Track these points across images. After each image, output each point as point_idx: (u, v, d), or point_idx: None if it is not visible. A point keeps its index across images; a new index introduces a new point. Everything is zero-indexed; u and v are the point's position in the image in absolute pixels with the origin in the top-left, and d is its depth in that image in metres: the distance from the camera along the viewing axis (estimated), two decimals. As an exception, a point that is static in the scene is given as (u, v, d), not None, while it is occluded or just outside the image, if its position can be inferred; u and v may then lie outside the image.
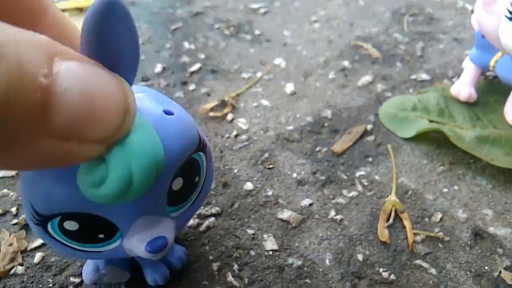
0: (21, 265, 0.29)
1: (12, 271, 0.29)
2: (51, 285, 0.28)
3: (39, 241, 0.30)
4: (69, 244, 0.21)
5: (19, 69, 0.11)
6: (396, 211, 0.33)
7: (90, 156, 0.14)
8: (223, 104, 0.43)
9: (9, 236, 0.31)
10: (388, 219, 0.32)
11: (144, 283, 0.27)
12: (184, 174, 0.21)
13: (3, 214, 0.32)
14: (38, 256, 0.30)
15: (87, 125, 0.13)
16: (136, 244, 0.20)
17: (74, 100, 0.12)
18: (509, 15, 0.32)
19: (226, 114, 0.42)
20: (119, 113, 0.14)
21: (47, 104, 0.12)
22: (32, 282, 0.28)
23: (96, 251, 0.21)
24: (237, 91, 0.45)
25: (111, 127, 0.14)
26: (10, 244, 0.30)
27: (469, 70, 0.42)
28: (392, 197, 0.34)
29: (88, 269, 0.25)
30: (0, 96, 0.10)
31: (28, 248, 0.30)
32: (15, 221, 0.32)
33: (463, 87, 0.41)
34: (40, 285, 0.28)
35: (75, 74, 0.13)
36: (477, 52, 0.40)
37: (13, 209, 0.33)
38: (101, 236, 0.20)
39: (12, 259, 0.29)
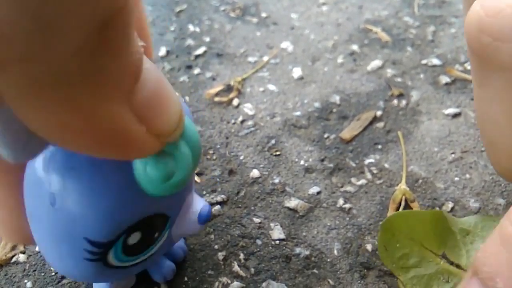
0: (23, 253, 0.29)
1: (13, 259, 0.28)
2: (53, 273, 0.27)
3: (41, 229, 0.30)
4: (128, 264, 0.20)
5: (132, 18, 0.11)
6: (406, 200, 0.32)
7: (152, 149, 0.14)
8: (228, 88, 0.42)
9: (11, 223, 0.30)
10: (398, 208, 0.31)
11: (148, 282, 0.27)
12: None
13: (5, 201, 0.32)
14: (40, 243, 0.29)
15: (157, 114, 0.13)
16: (188, 223, 0.21)
17: (151, 82, 0.13)
18: None
19: (232, 99, 0.41)
20: (177, 113, 0.15)
21: (139, 72, 0.12)
22: (34, 271, 0.28)
23: (150, 256, 0.21)
24: (243, 75, 0.44)
25: (174, 122, 0.14)
26: (12, 231, 0.30)
27: None
28: (402, 186, 0.33)
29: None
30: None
31: (30, 236, 0.30)
32: (17, 207, 0.31)
33: None
34: (42, 273, 0.27)
35: (149, 61, 0.13)
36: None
37: (15, 196, 0.32)
38: (156, 235, 0.20)
39: (14, 247, 0.29)
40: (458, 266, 0.27)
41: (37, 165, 0.17)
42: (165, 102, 0.14)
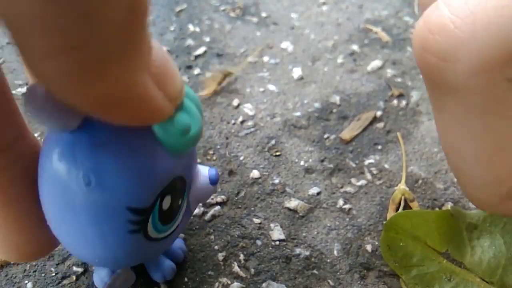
0: (24, 253, 0.29)
1: (14, 260, 0.28)
2: (53, 274, 0.28)
3: (41, 229, 0.30)
4: (163, 235, 0.21)
5: None
6: (405, 200, 0.32)
7: (169, 111, 0.16)
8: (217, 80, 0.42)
9: (11, 223, 0.30)
10: (397, 209, 0.31)
11: (148, 283, 0.27)
12: None
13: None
14: (40, 244, 0.29)
15: (168, 81, 0.15)
16: (202, 186, 0.23)
17: (159, 55, 0.15)
18: None
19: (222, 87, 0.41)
20: (181, 79, 0.16)
21: (151, 44, 0.14)
22: (35, 271, 0.28)
23: (176, 228, 0.22)
24: (232, 68, 0.44)
25: (180, 87, 0.16)
26: (12, 232, 0.30)
27: None
28: (402, 186, 0.33)
29: (102, 273, 0.25)
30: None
31: (31, 236, 0.30)
32: (17, 208, 0.31)
33: None
34: (43, 274, 0.27)
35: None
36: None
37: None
38: (180, 201, 0.21)
39: (14, 247, 0.29)
40: (461, 264, 0.27)
41: (57, 156, 0.17)
42: (171, 71, 0.15)
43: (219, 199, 0.32)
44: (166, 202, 0.20)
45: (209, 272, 0.28)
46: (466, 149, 0.18)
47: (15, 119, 0.19)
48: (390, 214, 0.31)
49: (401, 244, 0.27)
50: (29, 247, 0.20)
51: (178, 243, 0.28)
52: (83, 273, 0.27)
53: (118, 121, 0.15)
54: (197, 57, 0.47)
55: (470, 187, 0.19)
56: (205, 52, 0.47)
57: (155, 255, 0.25)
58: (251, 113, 0.39)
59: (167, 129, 0.17)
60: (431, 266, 0.27)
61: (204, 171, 0.23)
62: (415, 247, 0.27)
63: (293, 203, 0.32)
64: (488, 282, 0.26)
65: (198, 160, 0.35)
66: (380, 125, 0.39)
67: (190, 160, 0.21)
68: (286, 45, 0.48)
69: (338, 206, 0.32)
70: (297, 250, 0.29)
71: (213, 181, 0.23)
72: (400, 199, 0.32)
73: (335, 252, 0.29)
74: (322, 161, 0.35)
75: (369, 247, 0.29)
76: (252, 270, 0.28)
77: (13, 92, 0.35)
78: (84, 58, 0.11)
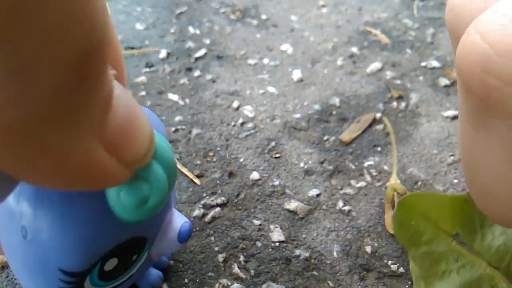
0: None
1: (15, 261, 0.28)
2: (54, 275, 0.28)
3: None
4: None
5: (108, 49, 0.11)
6: (399, 196, 0.32)
7: (122, 178, 0.14)
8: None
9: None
10: (393, 207, 0.32)
11: None
12: None
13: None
14: (41, 245, 0.29)
15: (127, 143, 0.13)
16: (167, 242, 0.21)
17: (121, 109, 0.13)
18: None
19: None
20: (148, 138, 0.14)
21: (111, 102, 0.12)
22: (36, 272, 0.28)
23: (128, 278, 0.21)
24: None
25: (143, 150, 0.14)
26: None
27: None
28: (392, 181, 0.33)
29: None
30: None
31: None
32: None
33: None
34: (44, 275, 0.28)
35: (120, 86, 0.13)
36: None
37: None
38: (135, 257, 0.20)
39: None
40: (470, 247, 0.27)
41: (9, 197, 0.16)
42: (135, 129, 0.13)
43: (219, 200, 0.32)
44: (110, 264, 0.18)
45: (209, 273, 0.28)
46: (506, 172, 0.17)
47: None
48: (387, 213, 0.31)
49: (412, 222, 0.28)
50: None
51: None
52: (83, 275, 0.28)
53: (55, 188, 0.13)
54: (197, 59, 0.47)
55: (497, 207, 0.19)
56: (205, 54, 0.48)
57: None
58: (251, 115, 0.40)
59: (120, 197, 0.15)
60: (440, 246, 0.27)
61: (176, 223, 0.21)
62: (426, 227, 0.28)
63: (293, 205, 0.32)
64: (494, 267, 0.26)
65: (198, 162, 0.35)
66: (380, 127, 0.39)
67: (155, 219, 0.19)
68: (286, 47, 0.49)
69: (337, 207, 0.32)
70: (297, 252, 0.29)
71: (182, 239, 0.21)
72: (393, 195, 0.32)
73: (334, 253, 0.29)
74: (322, 162, 0.35)
75: (368, 249, 0.29)
76: (252, 271, 0.28)
77: None
78: (8, 120, 0.09)
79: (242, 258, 0.29)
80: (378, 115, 0.40)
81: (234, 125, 0.39)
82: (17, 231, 0.16)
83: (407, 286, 0.28)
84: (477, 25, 0.14)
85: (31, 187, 0.16)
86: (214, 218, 0.31)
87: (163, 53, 0.47)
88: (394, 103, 0.41)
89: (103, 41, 0.10)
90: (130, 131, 0.13)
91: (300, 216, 0.31)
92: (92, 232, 0.16)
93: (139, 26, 0.52)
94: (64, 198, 0.16)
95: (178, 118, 0.39)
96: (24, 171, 0.11)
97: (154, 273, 0.26)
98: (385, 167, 0.35)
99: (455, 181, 0.34)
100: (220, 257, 0.29)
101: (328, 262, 0.29)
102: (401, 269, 0.28)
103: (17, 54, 0.09)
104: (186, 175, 0.34)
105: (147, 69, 0.45)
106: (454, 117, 0.39)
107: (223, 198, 0.32)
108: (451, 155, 0.36)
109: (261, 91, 0.42)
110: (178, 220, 0.21)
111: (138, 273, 0.22)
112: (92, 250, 0.17)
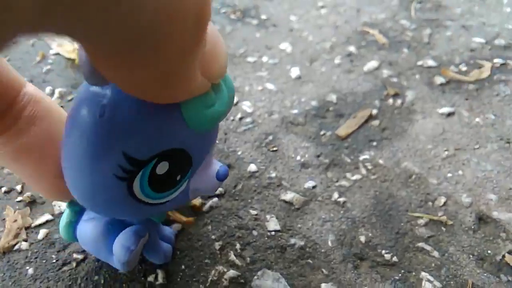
0: (25, 241, 0.29)
1: (16, 247, 0.29)
2: (54, 261, 0.28)
3: (43, 218, 0.31)
4: (146, 200, 0.21)
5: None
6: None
7: (204, 89, 0.17)
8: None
9: (14, 213, 0.31)
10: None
11: (145, 270, 0.28)
12: None
13: (8, 192, 0.33)
14: (42, 232, 0.30)
15: (213, 63, 0.16)
16: (207, 177, 0.23)
17: (211, 36, 0.15)
18: None
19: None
20: (225, 60, 0.17)
21: (205, 38, 0.15)
22: (36, 258, 0.28)
23: (165, 202, 0.22)
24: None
25: (223, 68, 0.17)
26: (15, 221, 0.30)
27: None
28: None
29: (128, 241, 0.24)
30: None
31: (33, 225, 0.30)
32: (19, 198, 0.32)
33: None
34: (44, 261, 0.28)
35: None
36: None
37: (18, 187, 0.33)
38: (178, 177, 0.21)
39: (16, 235, 0.29)
40: None
41: (84, 94, 0.18)
42: (219, 53, 0.16)
43: (217, 191, 0.33)
44: (162, 167, 0.20)
45: (206, 260, 0.28)
46: None
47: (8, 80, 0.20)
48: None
49: None
50: (51, 192, 0.23)
51: (168, 229, 0.29)
52: (83, 260, 0.28)
53: (162, 101, 0.16)
54: (197, 57, 0.48)
55: None
56: (205, 52, 0.48)
57: (136, 216, 0.24)
58: (249, 110, 0.40)
59: (194, 101, 0.18)
60: None
61: (215, 165, 0.23)
62: None
63: (289, 196, 0.33)
64: None
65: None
66: (376, 122, 0.39)
67: (203, 143, 0.21)
68: (285, 46, 0.49)
69: (333, 199, 0.33)
70: (292, 240, 0.30)
71: (220, 177, 0.23)
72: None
73: (329, 242, 0.30)
74: (318, 156, 0.36)
75: (362, 238, 0.30)
76: (248, 259, 0.29)
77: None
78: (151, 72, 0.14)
79: (238, 246, 0.29)
80: (375, 111, 0.40)
81: (233, 120, 0.39)
82: (94, 111, 0.18)
83: (400, 275, 0.28)
84: None
85: (112, 86, 0.18)
86: (211, 208, 0.32)
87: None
88: (390, 100, 0.42)
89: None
90: (217, 54, 0.16)
91: (296, 206, 0.32)
92: (161, 125, 0.18)
93: (140, 25, 0.53)
94: None
95: (177, 112, 0.40)
96: (132, 86, 0.15)
97: (165, 245, 0.27)
98: (380, 161, 0.36)
99: (449, 175, 0.35)
100: (217, 245, 0.29)
101: (322, 251, 0.29)
102: (395, 258, 0.29)
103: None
104: (184, 167, 0.35)
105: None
106: (449, 114, 0.40)
107: (220, 189, 0.33)
108: (445, 150, 0.37)
109: (259, 88, 0.43)
110: (217, 163, 0.23)
111: (175, 204, 0.23)
112: (155, 142, 0.19)
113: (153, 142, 0.19)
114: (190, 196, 0.24)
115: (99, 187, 0.20)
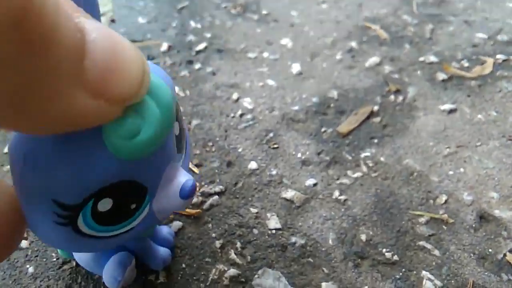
0: (26, 239, 0.29)
1: (16, 245, 0.29)
2: (54, 259, 0.28)
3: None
4: (102, 235, 0.20)
5: (57, 6, 0.11)
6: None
7: (113, 115, 0.14)
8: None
9: (14, 210, 0.31)
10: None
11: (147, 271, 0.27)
12: (179, 118, 0.21)
13: (8, 189, 0.32)
14: (42, 230, 0.30)
15: (113, 83, 0.13)
16: (169, 197, 0.20)
17: (103, 49, 0.13)
18: None
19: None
20: (138, 73, 0.14)
21: (84, 50, 0.12)
22: (36, 256, 0.28)
23: (128, 230, 0.20)
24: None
25: (134, 85, 0.14)
26: (15, 219, 0.30)
27: None
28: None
29: (115, 272, 0.24)
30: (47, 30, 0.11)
31: (33, 223, 0.30)
32: (19, 196, 0.32)
33: None
34: (44, 259, 0.28)
35: (100, 28, 0.13)
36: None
37: (18, 184, 0.33)
38: (133, 206, 0.19)
39: (17, 233, 0.29)
40: None
41: (12, 140, 0.17)
42: (120, 68, 0.13)
43: (217, 189, 0.33)
44: (105, 204, 0.18)
45: (206, 259, 0.28)
46: None
47: None
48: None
49: None
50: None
51: (166, 229, 0.29)
52: (83, 258, 0.28)
53: (45, 133, 0.14)
54: (198, 52, 0.47)
55: None
56: (206, 47, 0.48)
57: (103, 248, 0.22)
58: (250, 107, 0.40)
59: (113, 131, 0.15)
60: None
61: (179, 179, 0.20)
62: None
63: (289, 194, 0.32)
64: None
65: (197, 152, 0.36)
66: (377, 119, 0.39)
67: (153, 166, 0.19)
68: (286, 41, 0.49)
69: (334, 197, 0.33)
70: (293, 239, 0.30)
71: (184, 195, 0.20)
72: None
73: (330, 241, 0.30)
74: (319, 153, 0.36)
75: (363, 237, 0.30)
76: (249, 257, 0.29)
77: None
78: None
79: (239, 244, 0.29)
80: (376, 108, 0.40)
81: (233, 117, 0.39)
82: (18, 161, 0.17)
83: (400, 274, 0.28)
84: None
85: None
86: (212, 206, 0.32)
87: (164, 46, 0.48)
88: (392, 97, 0.42)
89: (30, 3, 0.10)
90: (116, 71, 0.13)
91: (296, 204, 0.32)
92: (86, 164, 0.16)
93: (141, 20, 0.53)
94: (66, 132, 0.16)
95: (178, 109, 0.40)
96: (11, 125, 0.12)
97: (164, 250, 0.27)
98: (382, 159, 0.36)
99: (450, 172, 0.34)
100: (217, 244, 0.29)
101: (323, 249, 0.29)
102: (395, 257, 0.29)
103: None
104: (185, 164, 0.34)
105: (149, 62, 0.46)
106: (451, 111, 0.40)
107: (221, 187, 0.33)
108: (447, 147, 0.36)
109: (260, 84, 0.43)
110: (182, 176, 0.20)
111: (142, 228, 0.21)
112: (85, 183, 0.17)
113: (81, 183, 0.17)
114: (158, 218, 0.21)
115: (48, 232, 0.18)
